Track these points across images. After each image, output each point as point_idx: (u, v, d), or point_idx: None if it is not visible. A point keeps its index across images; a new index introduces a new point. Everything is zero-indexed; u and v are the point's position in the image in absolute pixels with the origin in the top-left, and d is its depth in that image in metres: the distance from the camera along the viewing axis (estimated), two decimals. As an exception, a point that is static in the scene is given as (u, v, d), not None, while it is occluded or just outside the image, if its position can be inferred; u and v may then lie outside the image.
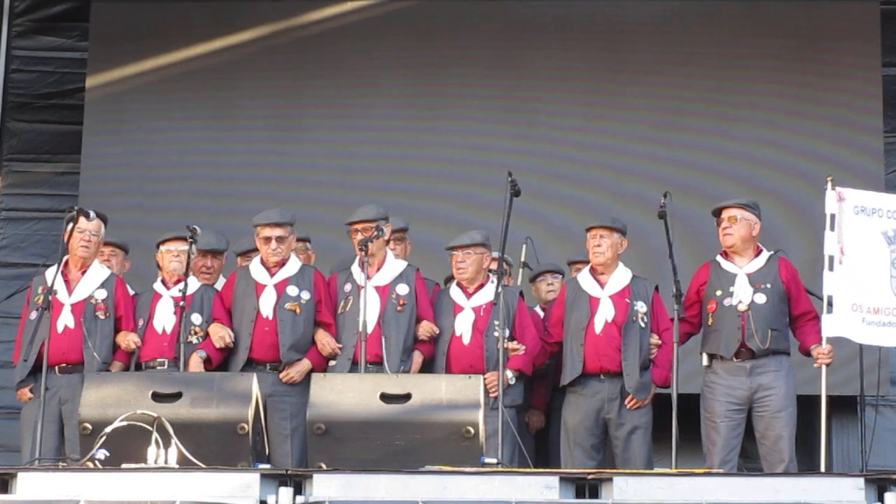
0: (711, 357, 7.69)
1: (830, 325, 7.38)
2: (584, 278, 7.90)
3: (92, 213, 7.88)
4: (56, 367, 7.71)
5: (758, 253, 7.79)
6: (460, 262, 7.94)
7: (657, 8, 10.43)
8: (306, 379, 7.43)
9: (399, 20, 10.49)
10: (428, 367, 7.87)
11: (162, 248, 8.02)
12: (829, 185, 7.51)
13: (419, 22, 10.48)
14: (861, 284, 7.39)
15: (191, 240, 7.80)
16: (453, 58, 10.43)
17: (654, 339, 7.79)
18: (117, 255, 8.39)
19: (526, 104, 10.38)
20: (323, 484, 5.93)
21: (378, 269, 7.90)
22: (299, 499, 5.94)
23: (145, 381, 6.74)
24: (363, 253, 7.68)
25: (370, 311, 7.67)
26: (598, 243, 7.85)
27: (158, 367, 7.76)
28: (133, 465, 6.09)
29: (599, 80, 10.39)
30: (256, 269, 7.97)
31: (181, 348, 7.63)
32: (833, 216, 7.45)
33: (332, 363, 7.82)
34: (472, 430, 6.39)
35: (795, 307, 7.73)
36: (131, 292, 8.08)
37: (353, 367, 7.68)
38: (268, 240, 7.92)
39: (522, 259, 9.00)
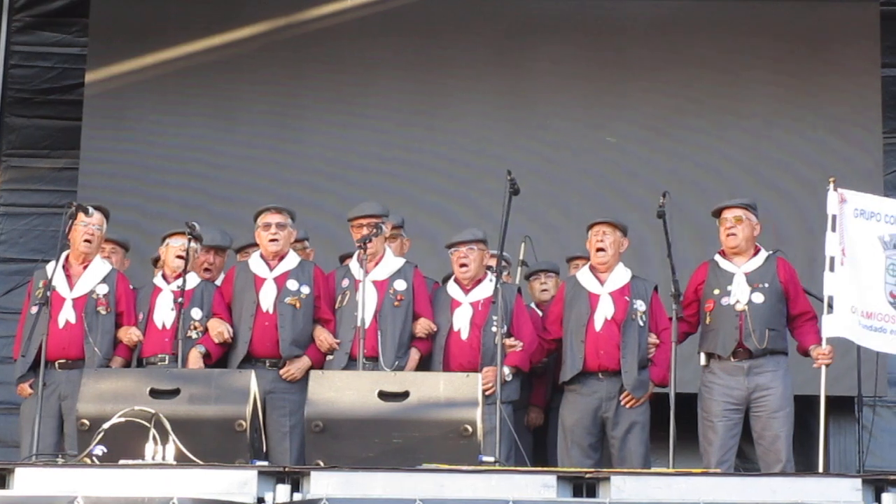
0: (709, 357, 7.70)
1: (830, 326, 7.38)
2: (584, 275, 7.91)
3: (91, 209, 7.88)
4: (56, 363, 7.71)
5: (756, 252, 7.79)
6: (463, 259, 7.95)
7: (657, 8, 10.43)
8: (305, 376, 7.43)
9: (399, 18, 10.48)
10: (425, 363, 7.89)
11: (169, 241, 8.02)
12: (832, 186, 7.51)
13: (419, 19, 10.48)
14: (857, 287, 7.39)
15: (189, 235, 7.80)
16: (453, 55, 10.43)
17: (653, 339, 7.80)
18: (117, 253, 8.39)
19: (525, 102, 10.38)
20: (321, 481, 5.93)
21: (376, 265, 7.91)
22: (297, 496, 5.94)
23: (143, 377, 6.74)
24: (362, 250, 7.70)
25: (367, 305, 7.68)
26: (601, 239, 7.86)
27: (159, 363, 7.76)
28: (131, 462, 6.08)
29: (599, 80, 10.39)
30: (256, 264, 7.98)
31: (180, 344, 7.63)
32: (835, 217, 7.46)
33: (328, 358, 7.83)
34: (469, 429, 6.39)
35: (793, 307, 7.74)
36: (132, 287, 8.08)
37: (350, 361, 7.70)
38: (267, 226, 7.93)
39: (521, 257, 9.01)
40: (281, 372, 7.82)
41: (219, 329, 7.82)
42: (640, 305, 7.80)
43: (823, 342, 7.49)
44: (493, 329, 7.69)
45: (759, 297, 7.64)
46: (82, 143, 10.34)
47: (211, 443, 6.34)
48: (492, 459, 6.54)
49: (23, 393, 7.83)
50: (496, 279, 7.56)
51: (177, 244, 7.96)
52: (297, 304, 7.86)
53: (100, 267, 7.95)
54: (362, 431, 6.42)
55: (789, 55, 10.33)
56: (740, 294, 7.65)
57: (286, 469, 6.08)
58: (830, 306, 7.36)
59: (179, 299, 7.66)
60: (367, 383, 6.57)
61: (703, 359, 7.73)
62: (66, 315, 7.78)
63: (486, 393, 7.33)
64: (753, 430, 7.64)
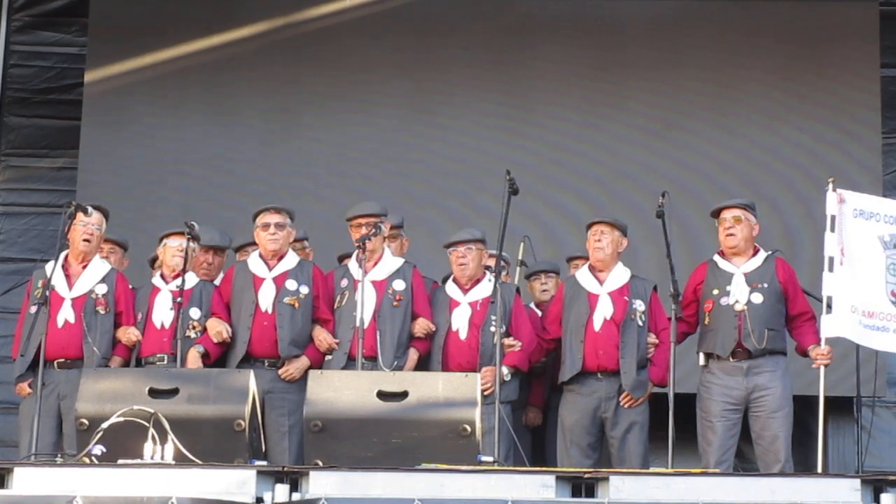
0: (708, 357, 7.70)
1: (829, 326, 7.38)
2: (583, 275, 7.91)
3: (90, 209, 7.88)
4: (55, 363, 7.71)
5: (755, 253, 7.79)
6: (462, 258, 7.95)
7: (656, 8, 10.43)
8: (304, 376, 7.43)
9: (397, 17, 10.48)
10: (424, 363, 7.89)
11: (167, 241, 8.02)
12: (831, 186, 7.50)
13: (417, 19, 10.48)
14: (858, 287, 7.39)
15: (188, 235, 7.80)
16: (451, 55, 10.43)
17: (652, 339, 7.80)
18: (116, 253, 8.38)
19: (524, 102, 10.38)
20: (319, 481, 5.93)
21: (375, 265, 7.92)
22: (295, 496, 5.94)
23: (142, 376, 6.74)
24: (361, 250, 7.70)
25: (366, 305, 7.67)
26: (598, 238, 7.86)
27: (158, 363, 7.76)
28: (129, 461, 6.08)
29: (598, 80, 10.39)
30: (255, 263, 7.97)
31: (178, 343, 7.63)
32: (833, 217, 7.45)
33: (327, 357, 7.83)
34: (468, 428, 6.39)
35: (792, 307, 7.73)
36: (131, 287, 8.07)
37: (349, 361, 7.70)
38: (266, 226, 7.93)
39: (520, 257, 9.01)
40: (280, 372, 7.82)
41: (217, 329, 7.82)
42: (640, 305, 7.80)
43: (822, 342, 7.48)
44: (492, 329, 7.70)
45: (758, 298, 7.63)
46: (81, 142, 10.34)
47: (210, 442, 6.34)
48: (490, 459, 6.54)
49: (22, 392, 7.83)
50: (495, 279, 7.56)
51: (174, 244, 7.96)
52: (296, 304, 7.86)
53: (99, 267, 7.94)
54: (361, 431, 6.42)
55: (788, 55, 10.32)
56: (739, 294, 7.65)
57: (285, 469, 6.08)
58: (829, 306, 7.35)
59: (178, 299, 7.66)
60: (366, 383, 6.57)
61: (701, 359, 7.73)
62: (65, 315, 7.78)
63: (485, 393, 7.33)
64: (752, 430, 7.64)
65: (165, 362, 7.75)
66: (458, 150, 10.32)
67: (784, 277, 7.72)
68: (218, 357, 7.85)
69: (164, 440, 6.19)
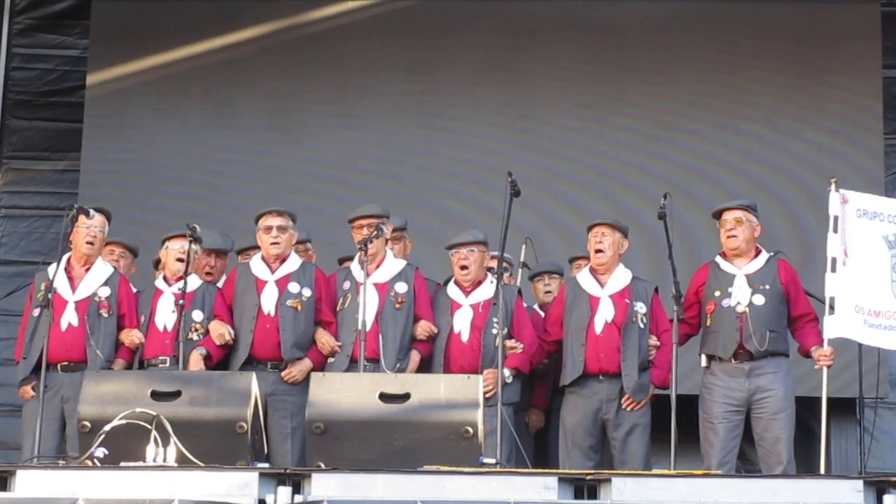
0: (710, 358, 7.69)
1: (832, 327, 7.37)
2: (584, 277, 7.90)
3: (92, 211, 7.88)
4: (58, 365, 7.71)
5: (757, 254, 7.79)
6: (464, 260, 7.95)
7: (657, 9, 10.44)
8: (307, 378, 7.43)
9: (399, 20, 10.49)
10: (426, 366, 7.89)
11: (168, 244, 8.02)
12: (833, 186, 7.49)
13: (419, 21, 10.49)
14: (863, 287, 7.38)
15: (190, 237, 7.80)
16: (453, 57, 10.44)
17: (653, 341, 7.80)
18: (126, 258, 8.38)
19: (526, 104, 10.39)
20: (321, 483, 5.94)
21: (377, 267, 7.92)
22: (298, 498, 5.95)
23: (145, 379, 6.75)
24: (363, 252, 7.70)
25: (368, 308, 7.68)
26: (599, 240, 7.85)
27: (160, 366, 7.76)
28: (132, 464, 6.09)
29: (599, 81, 10.40)
30: (257, 266, 7.97)
31: (181, 346, 7.63)
32: (836, 218, 7.44)
33: (330, 360, 7.83)
34: (470, 430, 6.40)
35: (794, 308, 7.72)
36: (134, 290, 8.08)
37: (352, 364, 7.70)
38: (269, 229, 7.93)
39: (522, 259, 9.01)
40: (282, 374, 7.82)
41: (220, 331, 7.82)
42: (641, 307, 7.79)
43: (825, 343, 7.48)
44: (494, 331, 7.70)
45: (759, 299, 7.62)
46: (83, 145, 10.35)
47: (212, 445, 6.34)
48: (493, 461, 6.55)
49: (25, 395, 7.83)
50: (497, 281, 7.55)
51: (176, 246, 7.97)
52: (299, 307, 7.86)
53: (102, 269, 7.95)
54: (363, 433, 6.43)
55: (790, 56, 10.33)
56: (741, 296, 7.64)
57: (287, 471, 6.08)
58: (832, 307, 7.35)
59: (181, 301, 7.66)
60: (368, 385, 6.58)
61: (703, 360, 7.73)
62: (69, 317, 7.78)
63: (487, 395, 7.33)
64: (754, 431, 7.63)
65: (168, 365, 7.75)
66: (460, 152, 10.33)
67: (786, 279, 7.71)
68: (220, 359, 7.85)
69: (166, 442, 6.19)
